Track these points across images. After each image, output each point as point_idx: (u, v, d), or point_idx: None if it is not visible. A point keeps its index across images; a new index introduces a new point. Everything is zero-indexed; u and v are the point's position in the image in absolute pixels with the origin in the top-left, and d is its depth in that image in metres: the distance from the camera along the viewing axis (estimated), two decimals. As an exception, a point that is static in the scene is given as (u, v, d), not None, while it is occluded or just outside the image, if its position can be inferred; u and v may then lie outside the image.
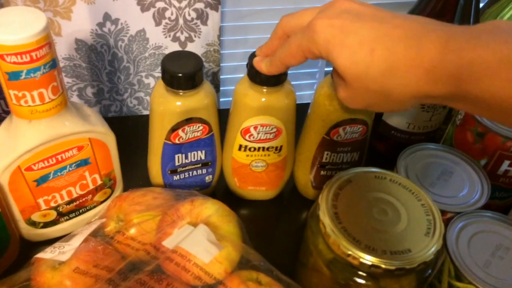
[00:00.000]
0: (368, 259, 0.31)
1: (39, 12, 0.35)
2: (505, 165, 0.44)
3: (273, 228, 0.51)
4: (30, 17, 0.34)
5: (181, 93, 0.41)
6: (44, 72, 0.35)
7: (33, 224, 0.44)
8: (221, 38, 0.60)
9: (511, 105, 0.25)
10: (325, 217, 0.34)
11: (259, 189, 0.51)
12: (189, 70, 0.40)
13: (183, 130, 0.43)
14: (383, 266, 0.31)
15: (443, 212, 0.39)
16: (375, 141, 0.59)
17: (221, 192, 0.53)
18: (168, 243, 0.36)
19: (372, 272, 0.33)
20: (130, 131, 0.58)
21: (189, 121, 0.43)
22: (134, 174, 0.51)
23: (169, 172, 0.47)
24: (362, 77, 0.29)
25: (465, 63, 0.25)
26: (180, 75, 0.40)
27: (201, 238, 0.35)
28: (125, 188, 0.49)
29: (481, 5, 0.52)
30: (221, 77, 0.64)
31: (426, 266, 0.32)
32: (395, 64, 0.28)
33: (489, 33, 0.26)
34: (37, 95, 0.36)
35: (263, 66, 0.39)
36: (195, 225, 0.38)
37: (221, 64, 0.63)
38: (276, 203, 0.53)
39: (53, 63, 0.36)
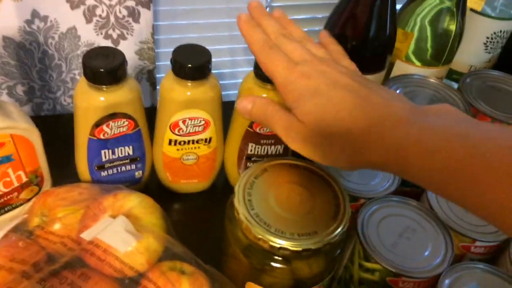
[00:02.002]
0: (277, 242, 0.33)
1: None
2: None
3: (204, 220, 0.52)
4: None
5: (104, 88, 0.42)
6: (-44, 66, 0.35)
7: (-45, 223, 0.44)
8: (156, 37, 0.61)
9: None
10: (239, 205, 0.35)
11: (192, 181, 0.52)
12: (111, 65, 0.41)
13: (107, 126, 0.44)
14: (290, 248, 0.33)
15: (356, 198, 0.42)
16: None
17: (153, 187, 0.54)
18: (86, 235, 0.36)
19: (283, 255, 0.34)
20: (64, 129, 0.57)
21: (113, 116, 0.44)
22: (67, 172, 0.51)
23: (96, 168, 0.47)
24: (320, 121, 0.31)
25: (412, 140, 0.28)
26: (102, 70, 0.41)
27: (119, 229, 0.36)
28: (56, 186, 0.49)
29: (399, 6, 0.55)
30: (158, 75, 0.64)
31: (332, 247, 0.34)
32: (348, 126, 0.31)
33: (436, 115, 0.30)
34: (-51, 90, 0.36)
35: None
36: (115, 217, 0.38)
37: (157, 63, 0.63)
38: (209, 196, 0.54)
39: (-34, 58, 0.36)
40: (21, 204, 0.47)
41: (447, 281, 0.36)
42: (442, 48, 0.54)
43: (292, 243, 0.33)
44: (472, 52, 0.61)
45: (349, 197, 0.39)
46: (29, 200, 0.47)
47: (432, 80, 0.51)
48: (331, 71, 0.34)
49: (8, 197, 0.45)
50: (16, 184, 0.45)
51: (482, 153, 0.25)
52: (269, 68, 0.36)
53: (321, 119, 0.31)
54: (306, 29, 0.69)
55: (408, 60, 0.56)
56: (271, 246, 0.33)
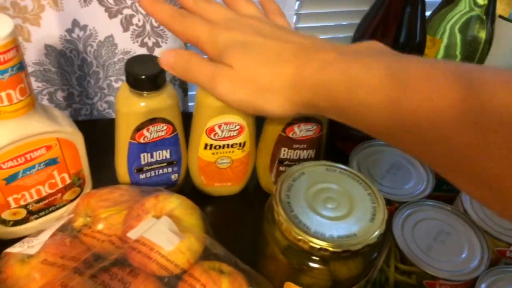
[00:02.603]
0: (317, 243, 0.34)
1: (6, 18, 0.37)
2: (450, 159, 0.48)
3: (237, 222, 0.53)
4: (-3, 22, 0.36)
5: (144, 94, 0.44)
6: (12, 74, 0.37)
7: (3, 222, 0.46)
8: (189, 45, 0.63)
9: (377, 113, 0.27)
10: (278, 207, 0.36)
11: (225, 185, 0.54)
12: (151, 72, 0.43)
13: (147, 130, 0.46)
14: (330, 249, 0.34)
15: (391, 202, 0.43)
16: (337, 141, 0.62)
17: (188, 190, 0.55)
18: (132, 234, 0.38)
19: (322, 256, 0.35)
20: (100, 134, 0.59)
21: (153, 121, 0.45)
22: (104, 174, 0.53)
23: (135, 171, 0.49)
24: (250, 67, 0.31)
25: (339, 76, 0.29)
26: (143, 77, 0.43)
27: (164, 229, 0.37)
28: (95, 188, 0.51)
29: (428, 13, 0.56)
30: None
31: (370, 248, 0.35)
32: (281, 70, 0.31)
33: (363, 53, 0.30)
34: (5, 96, 0.38)
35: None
36: (158, 218, 0.40)
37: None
38: (241, 199, 0.56)
39: (20, 66, 0.38)
40: (64, 205, 0.49)
41: (483, 285, 0.36)
42: (472, 55, 0.55)
43: (332, 244, 0.34)
44: (501, 58, 0.61)
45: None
46: (71, 201, 0.49)
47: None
48: (258, 24, 0.34)
49: (53, 198, 0.47)
50: (60, 185, 0.47)
51: (399, 78, 0.26)
52: (188, 34, 0.35)
53: (252, 62, 0.31)
54: (332, 36, 0.71)
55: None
56: (311, 247, 0.34)
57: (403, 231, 0.40)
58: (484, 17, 0.53)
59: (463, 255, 0.38)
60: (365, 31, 0.53)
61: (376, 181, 0.44)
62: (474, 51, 0.54)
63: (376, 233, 0.35)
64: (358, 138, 0.58)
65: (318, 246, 0.34)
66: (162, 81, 0.44)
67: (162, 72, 0.44)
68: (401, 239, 0.39)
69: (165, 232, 0.37)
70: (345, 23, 0.71)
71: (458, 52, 0.55)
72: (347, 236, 0.35)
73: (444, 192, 0.50)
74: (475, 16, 0.53)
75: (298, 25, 0.69)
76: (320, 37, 0.67)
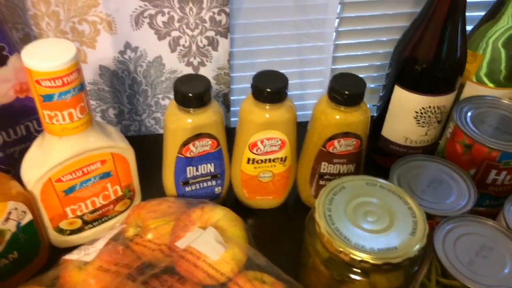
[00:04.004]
0: (357, 255, 0.35)
1: (69, 43, 0.40)
2: (492, 174, 0.48)
3: (278, 234, 0.55)
4: (61, 47, 0.40)
5: (191, 111, 0.46)
6: (74, 94, 0.40)
7: (61, 231, 0.49)
8: (231, 62, 0.66)
9: None
10: (320, 219, 0.38)
11: (267, 198, 0.56)
12: (198, 90, 0.45)
13: (193, 145, 0.48)
14: (371, 261, 0.35)
15: (432, 217, 0.43)
16: (376, 155, 0.62)
17: (231, 202, 0.57)
18: (181, 243, 0.40)
19: (363, 268, 0.36)
20: (148, 148, 0.63)
21: (198, 136, 0.48)
22: (152, 186, 0.56)
23: (181, 183, 0.51)
24: None
25: None
26: (191, 95, 0.45)
27: (210, 239, 0.39)
28: (143, 199, 0.54)
29: (469, 27, 0.56)
30: (231, 98, 0.69)
31: (410, 262, 0.36)
32: None
33: None
34: (67, 114, 0.41)
35: None
36: (204, 228, 0.42)
37: (231, 86, 0.68)
38: (282, 212, 0.57)
39: (81, 87, 0.41)
40: (115, 216, 0.52)
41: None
42: (500, 69, 0.54)
43: (372, 256, 0.35)
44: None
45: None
46: (122, 212, 0.52)
47: (505, 101, 0.52)
48: None
49: (106, 209, 0.50)
50: (113, 197, 0.50)
51: None
52: None
53: None
54: (372, 52, 0.71)
55: (480, 81, 0.57)
56: (352, 259, 0.35)
57: (445, 245, 0.40)
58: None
59: (506, 270, 0.38)
60: (406, 46, 0.54)
61: (416, 196, 0.45)
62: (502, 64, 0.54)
63: (417, 246, 0.36)
64: (397, 153, 0.59)
65: (359, 258, 0.35)
66: (207, 98, 0.47)
67: (208, 90, 0.46)
68: (442, 253, 0.39)
69: (211, 242, 0.39)
70: (385, 39, 0.71)
71: (502, 67, 0.55)
72: (387, 249, 0.36)
73: (486, 207, 0.50)
74: (517, 30, 0.53)
75: (336, 54, 0.70)
76: (360, 53, 0.68)
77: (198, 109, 0.47)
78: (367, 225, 0.37)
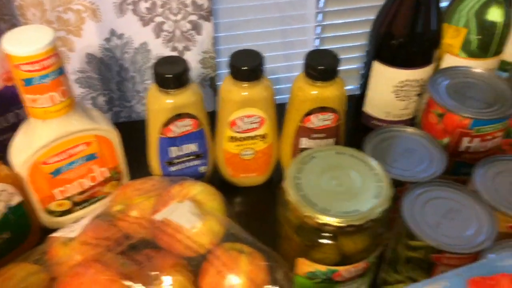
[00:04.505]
0: (322, 219, 0.37)
1: (47, 29, 0.42)
2: (465, 142, 0.49)
3: (263, 210, 0.56)
4: (40, 33, 0.42)
5: (171, 92, 0.48)
6: (53, 78, 0.42)
7: (51, 213, 0.52)
8: (217, 47, 0.67)
9: None
10: (288, 187, 0.39)
11: (250, 175, 0.57)
12: (176, 71, 0.47)
13: (175, 125, 0.50)
14: (335, 224, 0.36)
15: (403, 183, 0.44)
16: (359, 132, 0.64)
17: (217, 181, 0.59)
18: (158, 216, 0.42)
19: (329, 231, 0.38)
20: (138, 134, 0.65)
21: (179, 116, 0.50)
22: (142, 170, 0.57)
23: (166, 163, 0.53)
24: None
25: None
26: (169, 76, 0.47)
27: (185, 211, 0.41)
28: (132, 180, 0.56)
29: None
30: (219, 83, 0.70)
31: (374, 223, 0.37)
32: None
33: None
34: (48, 98, 0.43)
35: None
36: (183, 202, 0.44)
37: (218, 71, 0.69)
38: (267, 189, 0.59)
39: (61, 70, 0.43)
40: (104, 197, 0.54)
41: (489, 256, 0.37)
42: (489, 40, 0.55)
43: (336, 219, 0.36)
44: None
45: (393, 180, 0.42)
46: (110, 193, 0.55)
47: (478, 71, 0.52)
48: None
49: (94, 190, 0.53)
50: (100, 179, 0.52)
51: None
52: None
53: None
54: (357, 31, 0.72)
55: (456, 53, 0.57)
56: (318, 223, 0.37)
57: (412, 210, 0.41)
58: (501, 0, 0.54)
59: (471, 231, 0.39)
60: (382, 23, 0.55)
61: (388, 164, 0.46)
62: (491, 36, 0.55)
63: (380, 209, 0.37)
64: (377, 127, 0.60)
65: (324, 222, 0.37)
66: (186, 79, 0.48)
67: (185, 71, 0.48)
68: (409, 216, 0.40)
69: (186, 214, 0.41)
70: (371, 18, 0.72)
71: (475, 37, 0.56)
72: (351, 211, 0.37)
73: (462, 175, 0.51)
74: (491, 0, 0.53)
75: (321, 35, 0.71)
76: (346, 33, 0.69)
77: (177, 90, 0.48)
78: (334, 191, 0.39)
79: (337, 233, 0.38)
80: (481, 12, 0.54)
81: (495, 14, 0.54)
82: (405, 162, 0.46)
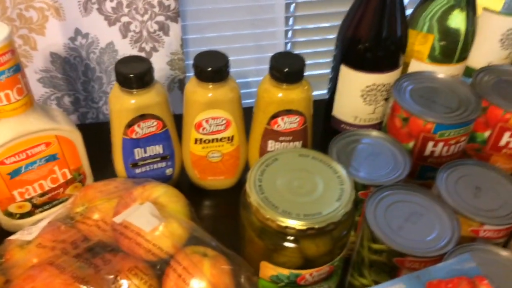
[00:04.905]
0: (283, 221, 0.36)
1: (2, 25, 0.41)
2: (430, 146, 0.49)
3: (231, 214, 0.55)
4: (-6, 29, 0.40)
5: (134, 92, 0.47)
6: (8, 75, 0.41)
7: (10, 215, 0.50)
8: (186, 50, 0.66)
9: None
10: (250, 190, 0.39)
11: (218, 178, 0.57)
12: (139, 71, 0.46)
13: (138, 126, 0.49)
14: (296, 227, 0.36)
15: (367, 187, 0.44)
16: (329, 136, 0.63)
17: (185, 184, 0.58)
18: (117, 218, 0.41)
19: (292, 234, 0.37)
20: (106, 135, 0.63)
21: (143, 117, 0.49)
22: (109, 173, 0.56)
23: (131, 165, 0.52)
24: None
25: None
26: (131, 75, 0.46)
27: (145, 213, 0.40)
28: (96, 183, 0.55)
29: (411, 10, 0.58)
30: (188, 84, 0.69)
31: (335, 226, 0.37)
32: None
33: None
34: (3, 96, 0.42)
35: None
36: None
37: (187, 74, 0.69)
38: (236, 191, 0.58)
39: (17, 68, 0.42)
40: (66, 199, 0.53)
41: (450, 259, 0.37)
42: (453, 46, 0.56)
43: (297, 222, 0.36)
44: (489, 50, 0.62)
45: (358, 184, 0.42)
46: (72, 196, 0.53)
47: (442, 76, 0.53)
48: None
49: (55, 192, 0.51)
50: (61, 180, 0.51)
51: None
52: None
53: None
54: (328, 36, 0.73)
55: (424, 59, 0.58)
56: (279, 226, 0.36)
57: (376, 213, 0.41)
58: (464, 7, 0.54)
59: (434, 235, 0.39)
60: (348, 27, 0.55)
61: (353, 168, 0.46)
62: (455, 42, 0.55)
63: (341, 211, 0.37)
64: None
65: (285, 225, 0.36)
66: (149, 79, 0.48)
67: (149, 70, 0.47)
68: (372, 220, 0.40)
69: (146, 215, 0.40)
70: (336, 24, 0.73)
71: (439, 44, 0.56)
72: (312, 214, 0.37)
73: (428, 179, 0.52)
74: (453, 7, 0.54)
75: (296, 27, 0.71)
76: (316, 38, 0.69)
77: (141, 90, 0.47)
78: (296, 194, 0.39)
79: (299, 236, 0.37)
80: (443, 19, 0.55)
81: (457, 21, 0.55)
82: (370, 165, 0.46)
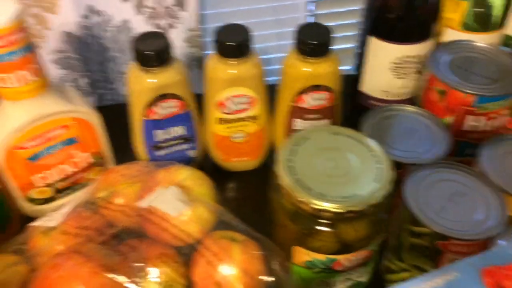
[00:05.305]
0: (319, 204, 0.34)
1: (11, 3, 0.39)
2: (469, 121, 0.46)
3: (257, 196, 0.53)
4: (4, 6, 0.38)
5: (153, 71, 0.45)
6: (22, 55, 0.39)
7: (32, 200, 0.48)
8: (204, 26, 0.63)
9: None
10: (281, 171, 0.36)
11: (242, 159, 0.54)
12: (157, 48, 0.44)
13: (158, 106, 0.47)
14: (333, 210, 0.34)
15: (404, 165, 0.41)
16: (356, 113, 0.60)
17: (209, 166, 0.56)
18: (142, 203, 0.39)
19: (327, 218, 0.35)
20: (125, 117, 0.61)
21: (163, 97, 0.46)
22: (130, 155, 0.54)
23: (152, 148, 0.50)
24: None
25: None
26: (150, 52, 0.43)
27: (170, 197, 0.38)
28: (118, 166, 0.53)
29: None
30: (208, 62, 0.66)
31: (375, 209, 0.34)
32: None
33: None
34: (18, 77, 0.40)
35: None
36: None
37: (207, 52, 0.66)
38: (261, 173, 0.56)
39: (29, 47, 0.40)
40: (88, 184, 0.51)
41: (500, 242, 0.35)
42: (489, 13, 0.52)
43: (334, 205, 0.34)
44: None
45: (394, 162, 0.39)
46: (94, 180, 0.51)
47: (481, 45, 0.49)
48: None
49: (77, 176, 0.49)
50: (82, 164, 0.49)
51: None
52: None
53: None
54: (354, 8, 0.69)
55: (457, 27, 0.54)
56: (314, 209, 0.34)
57: (416, 193, 0.38)
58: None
59: (479, 216, 0.37)
60: (378, -5, 0.52)
61: (388, 145, 0.43)
62: (489, 9, 0.52)
63: (381, 193, 0.34)
64: (375, 107, 0.57)
65: (320, 208, 0.34)
66: (169, 56, 0.45)
67: (167, 47, 0.44)
68: (412, 201, 0.38)
69: (172, 200, 0.38)
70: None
71: (474, 10, 0.53)
72: (350, 196, 0.34)
73: (467, 156, 0.48)
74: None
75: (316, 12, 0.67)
76: (341, 10, 0.65)
77: (160, 68, 0.45)
78: (331, 174, 0.36)
79: (335, 219, 0.35)
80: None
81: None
82: (405, 143, 0.44)
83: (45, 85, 0.42)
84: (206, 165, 0.56)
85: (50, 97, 0.43)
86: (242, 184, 0.56)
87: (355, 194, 0.34)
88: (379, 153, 0.37)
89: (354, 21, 0.69)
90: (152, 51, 0.43)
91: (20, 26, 0.38)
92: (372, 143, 0.38)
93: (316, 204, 0.34)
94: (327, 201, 0.34)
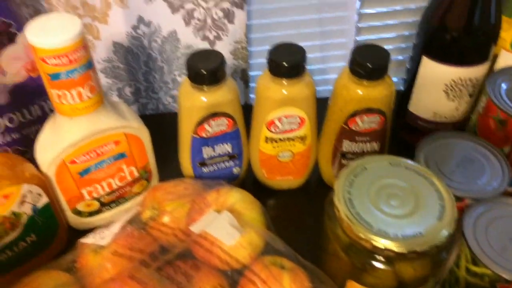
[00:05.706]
0: (380, 242, 0.33)
1: (75, 18, 0.39)
2: (530, 152, 0.44)
3: (299, 216, 0.53)
4: (66, 23, 0.38)
5: (205, 89, 0.44)
6: (81, 72, 0.39)
7: (79, 213, 0.49)
8: (248, 36, 0.63)
9: None
10: (339, 203, 0.35)
11: (287, 178, 0.54)
12: (211, 66, 0.43)
13: (209, 124, 0.46)
14: (395, 249, 0.33)
15: (461, 199, 0.40)
16: (403, 132, 0.59)
17: (250, 183, 0.56)
18: (195, 228, 0.39)
19: (386, 256, 0.34)
20: (166, 127, 0.61)
21: (214, 115, 0.46)
22: (170, 167, 0.54)
23: (198, 164, 0.50)
24: None
25: None
26: (204, 71, 0.43)
27: (225, 224, 0.38)
28: (161, 180, 0.53)
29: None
30: (250, 73, 0.66)
31: (438, 249, 0.33)
32: None
33: None
34: (76, 94, 0.40)
35: None
36: (220, 211, 0.40)
37: (250, 61, 0.65)
38: (303, 192, 0.55)
39: (89, 64, 0.39)
40: (132, 198, 0.51)
41: None
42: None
43: (396, 244, 0.33)
44: None
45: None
46: (139, 193, 0.51)
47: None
48: None
49: (123, 190, 0.50)
50: (129, 178, 0.49)
51: None
52: None
53: None
54: (398, 21, 0.67)
55: (509, 48, 0.52)
56: (374, 246, 0.33)
57: (475, 230, 0.37)
58: None
59: (544, 258, 0.35)
60: (434, 14, 0.50)
61: (445, 176, 0.42)
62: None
63: (445, 233, 0.33)
64: (425, 129, 0.55)
65: (382, 246, 0.33)
66: (222, 75, 0.44)
67: (222, 66, 0.44)
68: (472, 239, 0.36)
69: (226, 227, 0.38)
70: (413, 7, 0.67)
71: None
72: (413, 236, 0.33)
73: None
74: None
75: (360, 25, 0.66)
76: (386, 23, 0.64)
77: (212, 87, 0.44)
78: (391, 210, 0.35)
79: (394, 258, 0.34)
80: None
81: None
82: (463, 174, 0.42)
83: (100, 102, 0.42)
84: (247, 181, 0.56)
85: (105, 112, 0.43)
86: (282, 202, 0.55)
87: (418, 233, 0.33)
88: (442, 188, 0.36)
89: (396, 34, 0.68)
90: (206, 70, 0.43)
91: (82, 44, 0.38)
92: (434, 177, 0.37)
93: (377, 242, 0.33)
94: (389, 239, 0.33)
